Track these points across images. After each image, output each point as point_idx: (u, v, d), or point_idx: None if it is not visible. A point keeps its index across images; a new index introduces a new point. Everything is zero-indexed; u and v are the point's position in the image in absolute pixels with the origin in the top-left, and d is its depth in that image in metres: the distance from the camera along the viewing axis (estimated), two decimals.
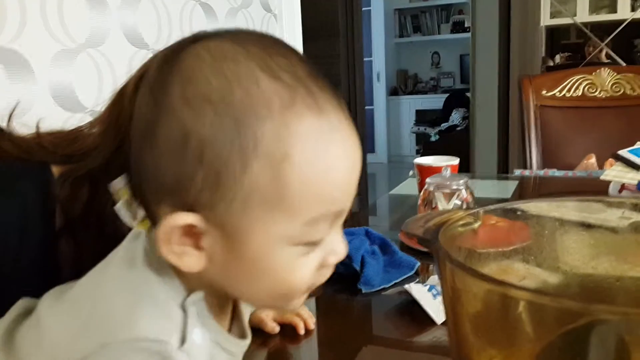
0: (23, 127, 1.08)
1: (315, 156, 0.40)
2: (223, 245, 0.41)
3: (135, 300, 0.42)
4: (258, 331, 0.72)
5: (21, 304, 0.51)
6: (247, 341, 0.51)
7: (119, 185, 0.47)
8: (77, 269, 0.47)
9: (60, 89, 1.15)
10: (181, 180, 0.40)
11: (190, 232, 0.41)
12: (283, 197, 0.39)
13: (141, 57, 1.37)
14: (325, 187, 0.41)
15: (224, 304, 0.49)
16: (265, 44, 0.42)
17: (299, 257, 0.43)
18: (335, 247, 0.45)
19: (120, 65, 1.30)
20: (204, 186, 0.39)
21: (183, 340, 0.41)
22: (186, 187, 0.40)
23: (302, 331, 0.72)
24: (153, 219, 0.44)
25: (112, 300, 0.43)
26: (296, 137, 0.39)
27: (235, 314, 0.51)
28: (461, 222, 0.52)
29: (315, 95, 0.41)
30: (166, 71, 0.41)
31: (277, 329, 0.72)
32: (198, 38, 0.43)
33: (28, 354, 0.46)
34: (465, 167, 3.54)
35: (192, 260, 0.42)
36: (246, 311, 0.53)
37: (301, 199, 0.40)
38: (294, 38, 2.07)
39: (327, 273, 0.46)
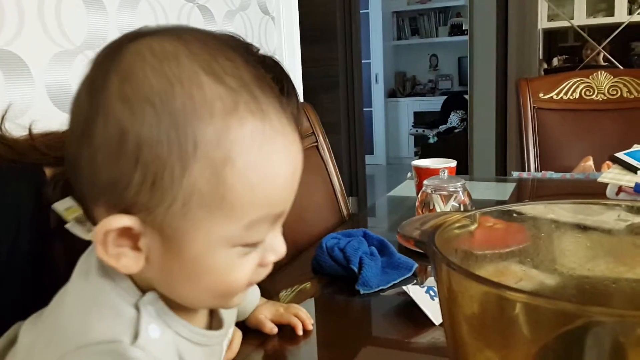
0: (20, 128, 1.08)
1: (258, 161, 0.40)
2: (161, 247, 0.41)
3: (88, 307, 0.42)
4: (256, 332, 0.72)
5: (15, 327, 0.51)
6: (222, 331, 0.50)
7: (62, 206, 0.47)
8: (72, 270, 0.47)
9: (57, 91, 1.15)
10: (117, 181, 0.39)
11: (128, 234, 0.40)
12: (223, 201, 0.39)
13: None
14: (266, 191, 0.41)
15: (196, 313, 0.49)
16: (210, 45, 0.41)
17: (238, 258, 0.42)
18: (275, 246, 0.45)
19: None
20: (142, 188, 0.39)
21: (136, 336, 0.41)
22: (122, 188, 0.39)
23: (300, 332, 0.72)
24: (92, 220, 0.43)
25: (70, 312, 0.43)
26: (238, 142, 0.39)
27: (212, 310, 0.51)
28: (457, 225, 0.52)
29: (259, 100, 0.40)
30: (105, 68, 0.40)
31: (275, 329, 0.72)
32: (140, 34, 0.41)
33: None
34: (463, 169, 3.54)
35: (129, 262, 0.41)
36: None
37: (242, 202, 0.40)
38: (292, 40, 2.07)
39: (266, 271, 0.46)
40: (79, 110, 0.41)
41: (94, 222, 0.42)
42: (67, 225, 0.46)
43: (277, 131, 0.41)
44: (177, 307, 0.45)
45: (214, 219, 0.40)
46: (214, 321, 0.51)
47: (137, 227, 0.40)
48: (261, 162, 0.40)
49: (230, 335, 0.55)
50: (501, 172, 3.28)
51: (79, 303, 0.43)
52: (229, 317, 0.53)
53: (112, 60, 0.40)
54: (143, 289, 0.44)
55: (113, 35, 1.34)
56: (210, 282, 0.43)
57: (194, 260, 0.41)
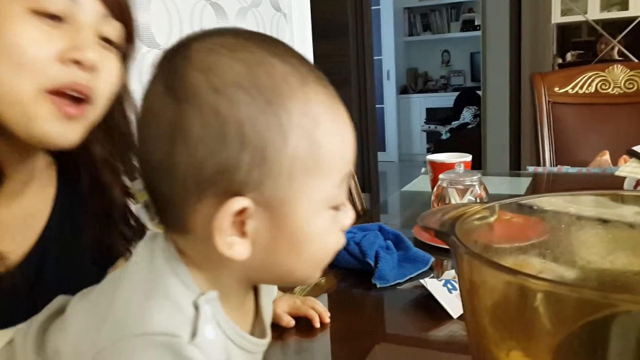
0: None
1: (335, 122, 0.44)
2: (268, 225, 0.43)
3: (149, 296, 0.42)
4: (273, 325, 0.72)
5: (57, 301, 0.52)
6: (266, 340, 0.51)
7: (138, 186, 0.47)
8: None
9: None
10: (226, 167, 0.40)
11: (236, 221, 0.42)
12: (319, 162, 0.43)
13: (153, 56, 1.38)
14: (344, 148, 0.45)
15: (243, 304, 0.50)
16: (259, 37, 0.45)
17: (331, 221, 0.45)
18: (348, 209, 0.47)
19: (132, 65, 1.30)
20: (252, 166, 0.40)
21: (194, 335, 0.41)
22: (232, 173, 0.40)
23: (317, 324, 0.72)
24: (182, 220, 0.43)
25: (127, 297, 0.44)
26: (319, 107, 0.43)
27: (258, 315, 0.52)
28: (477, 216, 0.52)
29: (316, 72, 0.45)
30: (179, 68, 0.42)
31: (292, 322, 0.73)
32: (200, 36, 0.44)
33: (55, 350, 0.47)
34: (477, 165, 3.51)
35: (240, 249, 0.42)
36: (268, 312, 0.53)
37: (331, 161, 0.43)
38: (304, 37, 2.07)
39: (343, 238, 0.48)
40: (162, 114, 0.42)
41: (184, 223, 0.43)
42: (136, 207, 0.47)
43: (335, 96, 0.45)
44: (228, 310, 0.45)
45: (314, 181, 0.43)
46: (256, 328, 0.51)
47: (252, 207, 0.41)
48: (337, 123, 0.44)
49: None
50: (515, 168, 3.26)
51: (139, 290, 0.43)
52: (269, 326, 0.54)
53: (184, 59, 0.42)
54: (204, 289, 0.44)
55: None
56: (313, 249, 0.45)
57: (299, 229, 0.43)
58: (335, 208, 0.45)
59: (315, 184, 0.43)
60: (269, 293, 0.55)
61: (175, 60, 0.43)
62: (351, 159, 0.46)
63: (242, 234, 0.42)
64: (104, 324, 0.43)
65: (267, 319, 0.53)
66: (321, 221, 0.44)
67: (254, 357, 0.50)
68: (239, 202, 0.41)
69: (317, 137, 0.42)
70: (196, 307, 0.43)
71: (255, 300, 0.52)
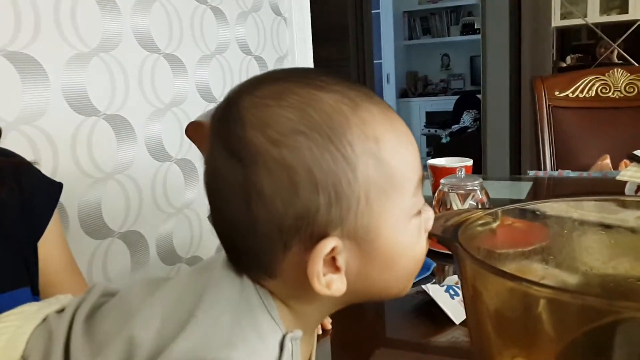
0: (37, 130, 1.09)
1: (395, 137, 0.44)
2: (358, 254, 0.43)
3: (238, 323, 0.42)
4: None
5: (96, 291, 0.52)
6: None
7: None
8: None
9: (73, 93, 1.16)
10: (305, 214, 0.41)
11: (327, 259, 0.42)
12: (392, 180, 0.43)
13: (153, 60, 1.38)
14: (410, 156, 0.45)
15: (307, 343, 0.50)
16: (299, 74, 0.46)
17: (416, 230, 0.46)
18: (428, 212, 0.48)
19: (132, 69, 1.31)
20: (329, 206, 0.41)
21: None
22: (312, 217, 0.41)
23: (319, 330, 0.72)
24: (270, 267, 0.43)
25: (215, 316, 0.43)
26: (376, 127, 0.43)
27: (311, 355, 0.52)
28: (480, 222, 0.52)
29: (363, 90, 0.45)
30: (235, 132, 0.42)
31: None
32: (243, 92, 0.44)
33: (107, 334, 0.46)
34: (477, 169, 3.52)
35: (337, 285, 0.43)
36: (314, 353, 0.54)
37: (402, 173, 0.44)
38: (304, 41, 2.07)
39: (428, 241, 0.49)
40: (231, 178, 0.42)
41: (274, 269, 0.43)
42: None
43: (387, 108, 0.46)
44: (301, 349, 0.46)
45: (392, 200, 0.43)
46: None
47: (339, 244, 0.42)
48: (398, 137, 0.45)
49: None
50: (515, 172, 3.26)
51: (228, 312, 0.43)
52: None
53: (237, 121, 0.43)
54: (288, 324, 0.44)
55: (127, 37, 1.36)
56: (405, 262, 0.46)
57: (389, 249, 0.44)
58: (418, 214, 0.46)
59: (394, 202, 0.43)
60: None
61: (229, 123, 0.43)
62: (419, 164, 0.46)
63: (336, 269, 0.43)
64: (181, 335, 0.42)
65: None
66: (407, 234, 0.45)
67: None
68: (327, 244, 0.41)
69: (383, 157, 0.43)
70: (281, 347, 0.42)
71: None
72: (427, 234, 0.48)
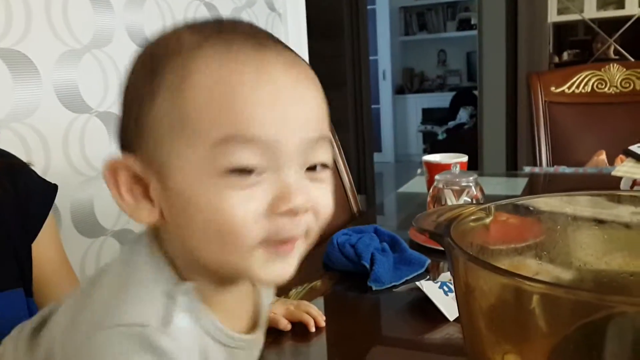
0: (28, 127, 1.08)
1: (218, 77, 0.40)
2: (161, 191, 0.42)
3: (123, 288, 0.43)
4: (269, 329, 0.71)
5: (47, 308, 0.53)
6: (251, 337, 0.49)
7: None
8: None
9: (65, 90, 1.15)
10: (122, 129, 0.45)
11: (137, 180, 0.43)
12: (184, 120, 0.40)
13: None
14: (228, 105, 0.40)
15: (241, 302, 0.49)
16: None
17: (230, 190, 0.40)
18: (285, 192, 0.41)
19: (124, 65, 1.30)
20: (133, 129, 0.43)
21: (165, 324, 0.41)
22: (124, 133, 0.44)
23: (313, 329, 0.72)
24: None
25: (104, 290, 0.44)
26: (197, 63, 0.40)
27: (255, 315, 0.51)
28: (473, 217, 0.51)
29: (225, 34, 0.42)
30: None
31: (289, 326, 0.72)
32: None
33: (47, 352, 0.48)
34: (473, 165, 3.51)
35: (144, 213, 0.43)
36: (265, 314, 0.53)
37: (200, 118, 0.40)
38: (299, 37, 2.07)
39: (284, 224, 0.42)
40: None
41: None
42: None
43: (245, 53, 0.41)
44: (214, 306, 0.45)
45: (182, 142, 0.40)
46: (254, 327, 0.50)
47: (134, 165, 0.42)
48: (221, 77, 0.40)
49: (261, 345, 0.53)
50: (512, 168, 3.26)
51: (114, 283, 0.44)
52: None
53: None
54: (182, 279, 0.44)
55: (120, 33, 1.35)
56: (203, 221, 0.41)
57: (182, 196, 0.41)
58: (237, 174, 0.40)
59: (185, 144, 0.40)
60: (268, 295, 0.55)
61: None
62: (253, 120, 0.40)
63: (148, 197, 0.43)
64: (81, 321, 0.43)
65: (264, 319, 0.52)
66: (209, 187, 0.40)
67: (237, 354, 0.48)
68: (124, 158, 0.43)
69: (182, 94, 0.40)
70: (170, 297, 0.42)
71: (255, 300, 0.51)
72: (279, 219, 0.41)
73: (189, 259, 0.44)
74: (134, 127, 0.42)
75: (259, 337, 0.51)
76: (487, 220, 0.53)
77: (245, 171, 0.40)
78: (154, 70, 0.42)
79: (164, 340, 0.40)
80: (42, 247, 0.74)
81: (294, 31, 2.04)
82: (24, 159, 0.77)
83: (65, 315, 0.47)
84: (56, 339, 0.46)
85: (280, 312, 0.73)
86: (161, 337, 0.40)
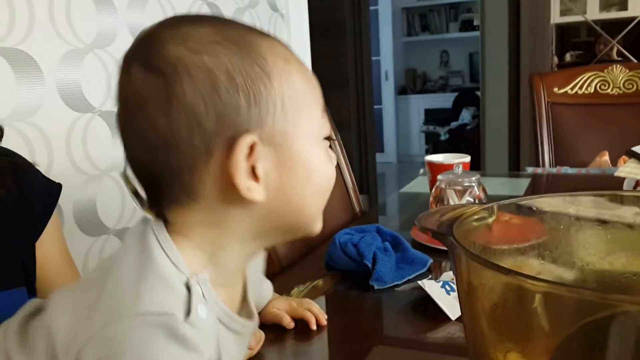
0: (31, 127, 1.08)
1: (298, 62, 0.49)
2: (275, 162, 0.46)
3: (141, 277, 0.43)
4: (271, 327, 0.72)
5: (32, 303, 0.53)
6: (254, 323, 0.52)
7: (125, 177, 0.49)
8: None
9: (68, 89, 1.15)
10: (225, 113, 0.44)
11: (248, 166, 0.45)
12: (302, 94, 0.47)
13: None
14: (313, 83, 0.50)
15: (233, 286, 0.51)
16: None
17: (326, 153, 0.50)
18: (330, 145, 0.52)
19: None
20: (249, 107, 0.44)
21: (188, 314, 0.42)
22: (233, 116, 0.44)
23: (314, 327, 0.72)
24: (191, 186, 0.45)
25: (119, 281, 0.44)
26: (282, 50, 0.48)
27: (245, 298, 0.53)
28: (475, 217, 0.51)
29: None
30: (152, 50, 0.45)
31: (292, 323, 0.72)
32: (153, 30, 0.47)
33: (38, 346, 0.48)
34: (476, 166, 3.51)
35: (258, 192, 0.45)
36: (252, 296, 0.54)
37: (310, 93, 0.48)
38: (302, 37, 2.07)
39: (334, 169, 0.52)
40: (151, 91, 0.44)
41: (196, 187, 0.45)
42: (131, 193, 0.50)
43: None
44: (219, 292, 0.47)
45: (304, 112, 0.47)
46: (243, 310, 0.52)
47: (259, 144, 0.45)
48: (300, 63, 0.49)
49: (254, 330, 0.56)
50: (514, 168, 3.26)
51: (130, 273, 0.44)
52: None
53: (153, 43, 0.45)
54: (195, 270, 0.45)
55: (123, 33, 1.35)
56: (318, 179, 0.49)
57: (303, 159, 0.47)
58: (325, 139, 0.50)
59: (306, 114, 0.47)
60: (255, 280, 0.57)
61: (147, 45, 0.45)
62: (320, 96, 0.50)
63: (256, 178, 0.45)
64: (95, 310, 0.43)
65: (253, 302, 0.54)
66: (319, 151, 0.49)
67: (243, 338, 0.51)
68: (247, 138, 0.44)
69: (292, 75, 0.47)
70: (188, 288, 0.44)
71: (243, 284, 0.53)
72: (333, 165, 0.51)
73: (261, 230, 0.48)
74: (252, 106, 0.44)
75: (256, 323, 0.53)
76: (490, 220, 0.53)
77: (327, 137, 0.50)
78: (250, 54, 0.45)
79: (188, 329, 0.41)
80: (46, 246, 0.75)
81: (297, 31, 2.04)
82: (27, 157, 0.77)
83: (69, 308, 0.47)
84: (59, 332, 0.46)
85: (283, 308, 0.73)
86: (185, 327, 0.41)
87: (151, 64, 0.44)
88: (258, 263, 0.60)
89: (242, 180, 0.44)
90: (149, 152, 0.45)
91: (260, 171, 0.45)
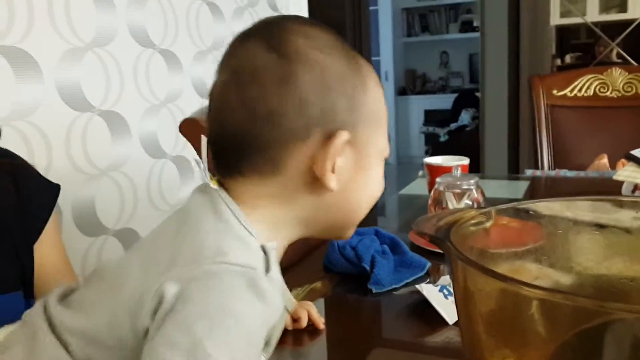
0: (30, 126, 1.08)
1: (381, 87, 0.56)
2: (352, 162, 0.52)
3: (222, 237, 0.47)
4: None
5: (59, 289, 0.55)
6: (294, 300, 0.59)
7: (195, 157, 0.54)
8: None
9: (67, 88, 1.15)
10: (329, 109, 0.49)
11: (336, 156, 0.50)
12: (382, 113, 0.54)
13: (147, 56, 1.37)
14: (385, 107, 0.56)
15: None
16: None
17: (382, 170, 0.56)
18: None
19: (127, 64, 1.30)
20: (348, 110, 0.50)
21: (268, 270, 0.47)
22: (334, 114, 0.50)
23: (304, 325, 0.71)
24: (278, 161, 0.50)
25: (198, 239, 0.47)
26: (374, 75, 0.55)
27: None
28: (473, 222, 0.51)
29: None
30: (279, 35, 0.50)
31: (290, 326, 0.72)
32: (280, 19, 0.53)
33: (95, 305, 0.50)
34: (475, 168, 3.51)
35: (334, 182, 0.50)
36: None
37: (384, 115, 0.55)
38: None
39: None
40: (270, 70, 0.49)
41: (281, 163, 0.50)
42: (198, 168, 0.53)
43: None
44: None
45: (380, 128, 0.54)
46: None
47: (349, 140, 0.50)
48: (381, 87, 0.56)
49: None
50: (513, 171, 3.26)
51: (211, 232, 0.48)
52: None
53: (281, 29, 0.51)
54: (260, 236, 0.49)
55: (122, 32, 1.35)
56: (374, 189, 0.55)
57: (371, 169, 0.54)
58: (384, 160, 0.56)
59: (381, 131, 0.54)
60: None
61: (272, 30, 0.51)
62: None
63: (333, 170, 0.50)
64: (175, 261, 0.45)
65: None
66: (380, 167, 0.55)
67: (283, 317, 0.54)
68: (344, 135, 0.49)
69: (378, 96, 0.54)
70: (264, 251, 0.48)
71: None
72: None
73: (316, 217, 0.53)
74: (350, 110, 0.51)
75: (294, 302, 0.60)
76: (488, 225, 0.53)
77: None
78: (355, 66, 0.52)
79: (267, 284, 0.45)
80: (44, 248, 0.74)
81: None
82: (26, 156, 0.77)
83: (132, 265, 0.49)
84: (127, 287, 0.48)
85: None
86: (265, 281, 0.45)
87: (274, 45, 0.49)
88: None
89: (326, 168, 0.49)
90: (251, 120, 0.49)
91: (338, 165, 0.50)
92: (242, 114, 0.49)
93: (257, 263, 0.47)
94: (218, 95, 0.51)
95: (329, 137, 0.49)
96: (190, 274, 0.44)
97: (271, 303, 0.46)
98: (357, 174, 0.53)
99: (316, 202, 0.52)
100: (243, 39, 0.51)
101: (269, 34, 0.50)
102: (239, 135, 0.50)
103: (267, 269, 0.47)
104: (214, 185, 0.51)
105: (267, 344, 0.52)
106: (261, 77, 0.49)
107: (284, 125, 0.48)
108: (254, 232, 0.49)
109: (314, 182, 0.50)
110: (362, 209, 0.56)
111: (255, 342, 0.46)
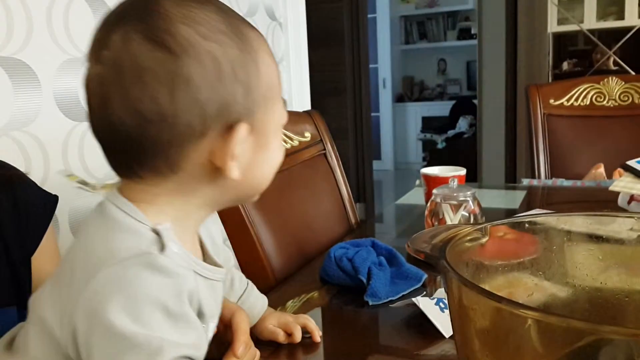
0: (28, 136, 1.08)
1: (272, 54, 0.54)
2: (252, 146, 0.51)
3: (108, 235, 0.48)
4: (266, 344, 0.72)
5: (8, 334, 0.56)
6: (223, 270, 0.57)
7: (63, 174, 0.52)
8: None
9: (65, 98, 1.15)
10: (226, 102, 0.48)
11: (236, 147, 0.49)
12: (277, 87, 0.53)
13: None
14: (279, 74, 0.55)
15: (191, 243, 0.55)
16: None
17: (281, 137, 0.56)
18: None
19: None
20: (244, 97, 0.49)
21: (162, 249, 0.47)
22: (231, 105, 0.48)
23: (298, 338, 0.71)
24: (174, 161, 0.48)
25: (89, 245, 0.48)
26: (265, 46, 0.53)
27: (205, 253, 0.57)
28: (468, 238, 0.51)
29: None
30: (159, 25, 0.45)
31: (287, 340, 0.72)
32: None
33: (33, 342, 0.50)
34: (472, 175, 3.52)
35: (236, 171, 0.50)
36: (212, 251, 0.58)
37: (278, 86, 0.53)
38: (300, 45, 2.07)
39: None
40: (157, 68, 0.45)
41: (178, 162, 0.48)
42: (74, 187, 0.55)
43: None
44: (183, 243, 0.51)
45: (276, 103, 0.53)
46: (206, 261, 0.56)
47: (249, 130, 0.50)
48: (272, 53, 0.54)
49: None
50: (511, 179, 3.26)
51: (98, 235, 0.49)
52: (224, 263, 0.60)
53: (162, 18, 0.46)
54: (156, 223, 0.49)
55: None
56: (276, 160, 0.55)
57: (271, 143, 0.53)
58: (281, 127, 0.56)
59: (277, 104, 0.53)
60: (215, 238, 0.61)
61: (152, 19, 0.46)
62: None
63: (234, 158, 0.49)
64: (73, 278, 0.47)
65: (213, 254, 0.58)
66: (278, 137, 0.55)
67: (213, 287, 0.55)
68: (242, 127, 0.48)
69: (271, 67, 0.52)
70: (156, 232, 0.48)
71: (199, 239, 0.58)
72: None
73: (221, 199, 0.54)
74: (246, 95, 0.49)
75: (224, 271, 0.58)
76: (483, 240, 0.53)
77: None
78: (246, 46, 0.49)
79: (166, 261, 0.46)
80: (42, 260, 0.74)
81: (295, 40, 2.04)
82: (23, 166, 0.77)
83: (46, 292, 0.50)
84: (49, 316, 0.49)
85: (277, 324, 0.73)
86: (163, 259, 0.46)
87: (159, 39, 0.45)
88: (215, 221, 0.64)
89: (226, 159, 0.48)
90: (140, 123, 0.46)
91: (238, 152, 0.49)
92: (129, 117, 0.46)
93: (149, 247, 0.47)
94: (97, 90, 0.47)
95: (227, 129, 0.48)
96: (91, 288, 0.45)
97: (174, 274, 0.46)
98: (257, 154, 0.52)
99: (221, 189, 0.52)
100: (115, 24, 0.46)
101: (150, 24, 0.45)
102: (129, 139, 0.47)
103: (162, 248, 0.47)
104: (109, 190, 0.52)
105: (201, 314, 0.52)
106: (146, 77, 0.45)
107: (177, 126, 0.46)
108: (140, 217, 0.48)
109: (215, 171, 0.50)
110: (266, 179, 0.56)
111: (176, 313, 0.46)
